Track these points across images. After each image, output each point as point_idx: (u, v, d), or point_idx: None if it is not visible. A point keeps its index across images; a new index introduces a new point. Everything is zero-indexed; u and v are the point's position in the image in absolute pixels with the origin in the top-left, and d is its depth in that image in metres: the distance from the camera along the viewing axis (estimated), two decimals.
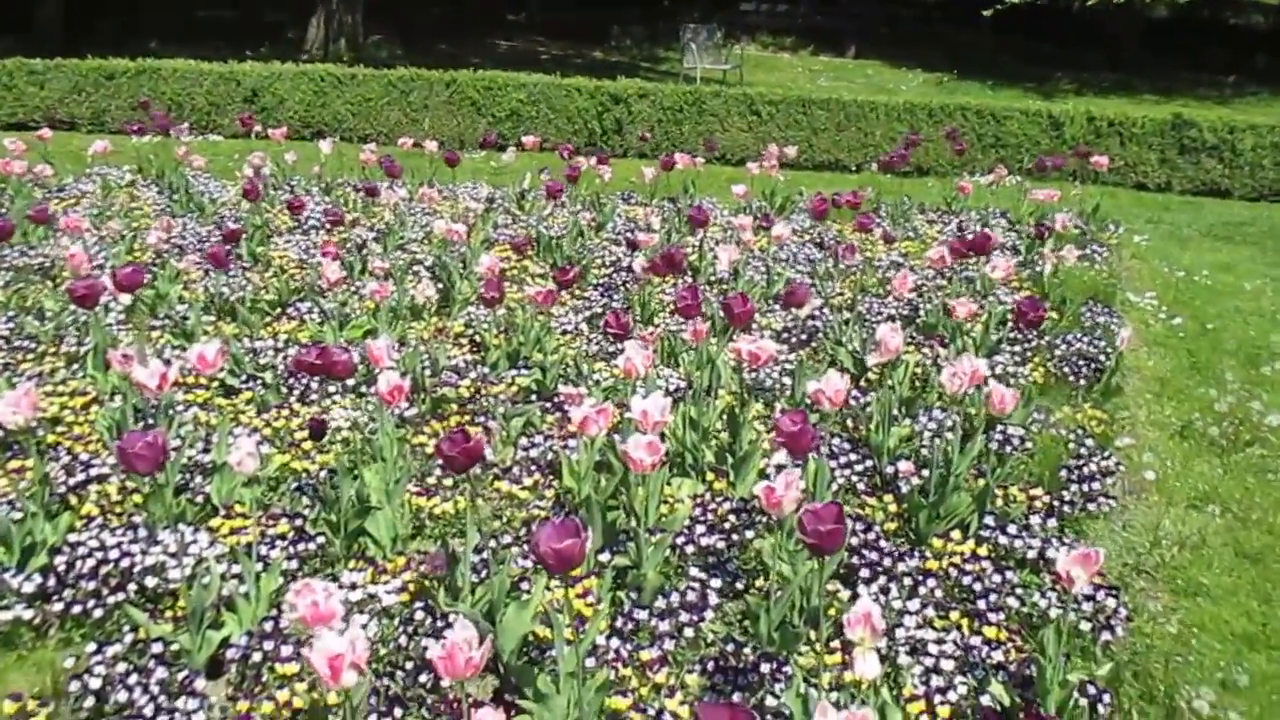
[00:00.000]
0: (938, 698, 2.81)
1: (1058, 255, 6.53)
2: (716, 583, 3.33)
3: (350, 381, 4.93)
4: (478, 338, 5.65)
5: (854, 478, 4.13)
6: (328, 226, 6.93)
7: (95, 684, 2.83)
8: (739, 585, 3.41)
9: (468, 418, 4.58)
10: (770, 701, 2.83)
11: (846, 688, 2.90)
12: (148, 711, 2.70)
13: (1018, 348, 5.66)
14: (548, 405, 4.73)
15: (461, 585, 3.25)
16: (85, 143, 9.51)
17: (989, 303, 5.86)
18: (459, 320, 5.94)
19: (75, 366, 5.03)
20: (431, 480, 4.05)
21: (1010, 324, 5.81)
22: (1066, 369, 5.38)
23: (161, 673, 2.80)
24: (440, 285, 6.42)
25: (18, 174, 7.69)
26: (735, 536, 3.60)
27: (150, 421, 4.32)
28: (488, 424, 4.51)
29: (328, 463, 4.19)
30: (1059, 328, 6.01)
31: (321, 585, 2.38)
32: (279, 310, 6.01)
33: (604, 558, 3.42)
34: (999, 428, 4.48)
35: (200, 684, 2.80)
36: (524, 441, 4.39)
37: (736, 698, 2.86)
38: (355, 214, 8.20)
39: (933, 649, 2.99)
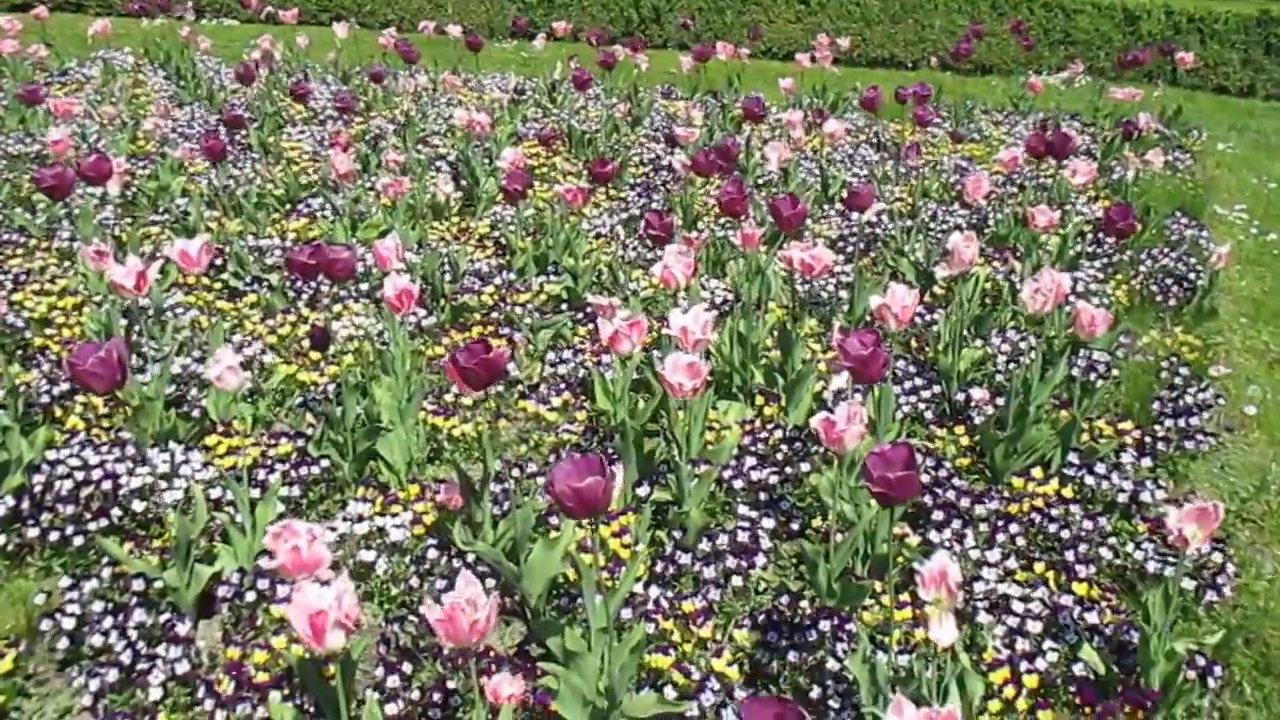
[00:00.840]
0: (1024, 665, 2.53)
1: (1142, 160, 6.12)
2: (769, 522, 3.04)
3: (365, 286, 4.64)
4: (503, 240, 5.33)
5: (920, 405, 3.82)
6: (342, 117, 6.58)
7: (69, 624, 2.58)
8: (793, 525, 3.12)
9: (491, 328, 4.29)
10: (831, 664, 2.55)
11: (917, 648, 2.63)
12: (125, 658, 2.45)
13: (1097, 263, 5.29)
14: (579, 316, 4.43)
15: (481, 520, 2.98)
16: (91, 25, 9.14)
17: (1067, 212, 5.48)
18: (483, 221, 5.62)
19: (68, 264, 4.76)
20: (450, 398, 3.77)
21: (1090, 236, 5.45)
22: (1154, 287, 5.02)
23: (141, 614, 2.55)
24: (463, 182, 6.09)
25: (9, 53, 7.35)
26: (789, 469, 3.30)
27: (142, 326, 4.05)
28: (513, 335, 4.22)
29: (338, 375, 3.92)
30: (1142, 241, 5.62)
31: (305, 527, 2.11)
32: (288, 206, 5.71)
33: (642, 491, 3.14)
34: (1081, 352, 4.14)
35: (183, 628, 2.55)
36: (553, 356, 4.10)
37: (792, 657, 2.59)
38: (372, 104, 7.85)
39: (1017, 607, 2.70)
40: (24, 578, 2.97)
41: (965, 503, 3.12)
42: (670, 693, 2.43)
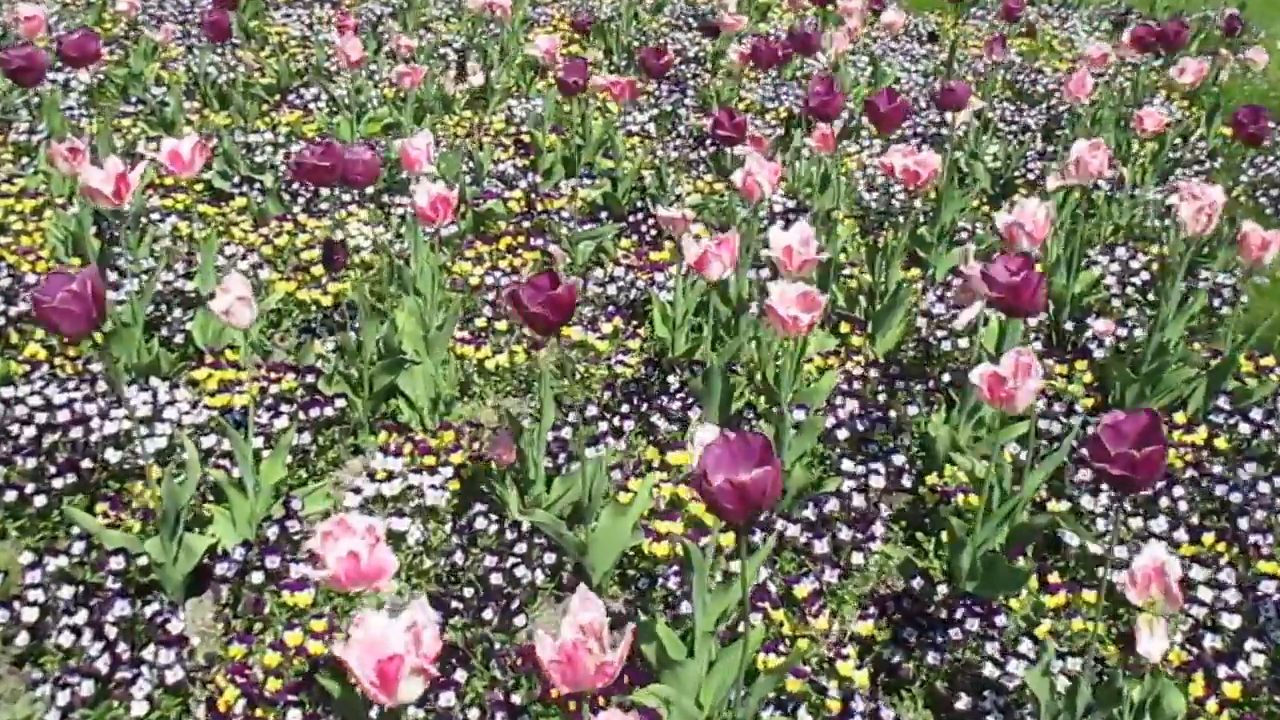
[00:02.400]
0: (1222, 670, 2.06)
1: (1239, 58, 5.56)
2: (878, 480, 2.55)
3: (370, 189, 4.09)
4: (524, 137, 4.76)
5: (1029, 336, 3.32)
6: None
7: (30, 615, 2.08)
8: (905, 482, 2.63)
9: (522, 239, 3.75)
10: (989, 671, 2.08)
11: (1069, 639, 2.17)
12: (102, 664, 1.95)
13: (1188, 170, 4.76)
14: (623, 226, 3.89)
15: (534, 478, 2.48)
16: None
17: (1171, 113, 4.94)
18: (497, 116, 5.04)
19: (26, 160, 4.18)
20: (481, 322, 3.25)
21: (1183, 143, 4.92)
22: (1262, 198, 4.51)
23: (122, 607, 2.05)
24: (468, 66, 5.49)
25: None
26: (893, 413, 2.80)
27: (119, 235, 3.50)
28: (546, 247, 3.68)
29: (343, 293, 3.39)
30: (1232, 149, 5.08)
31: (363, 524, 1.60)
32: (278, 97, 5.11)
33: None
34: (1203, 276, 3.64)
35: (176, 623, 2.05)
36: (599, 274, 3.58)
37: (932, 658, 2.11)
38: None
39: (1204, 594, 2.23)
40: None
41: None
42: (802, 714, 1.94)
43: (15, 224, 3.70)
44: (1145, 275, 3.63)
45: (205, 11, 4.04)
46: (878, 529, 2.37)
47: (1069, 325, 3.38)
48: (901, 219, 4.11)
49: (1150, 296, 3.61)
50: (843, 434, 2.66)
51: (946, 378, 3.04)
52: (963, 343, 3.18)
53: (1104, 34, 7.15)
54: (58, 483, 2.44)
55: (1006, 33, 5.66)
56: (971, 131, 4.81)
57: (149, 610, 2.07)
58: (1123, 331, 3.25)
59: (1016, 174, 4.56)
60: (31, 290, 1.80)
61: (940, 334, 3.21)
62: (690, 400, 2.77)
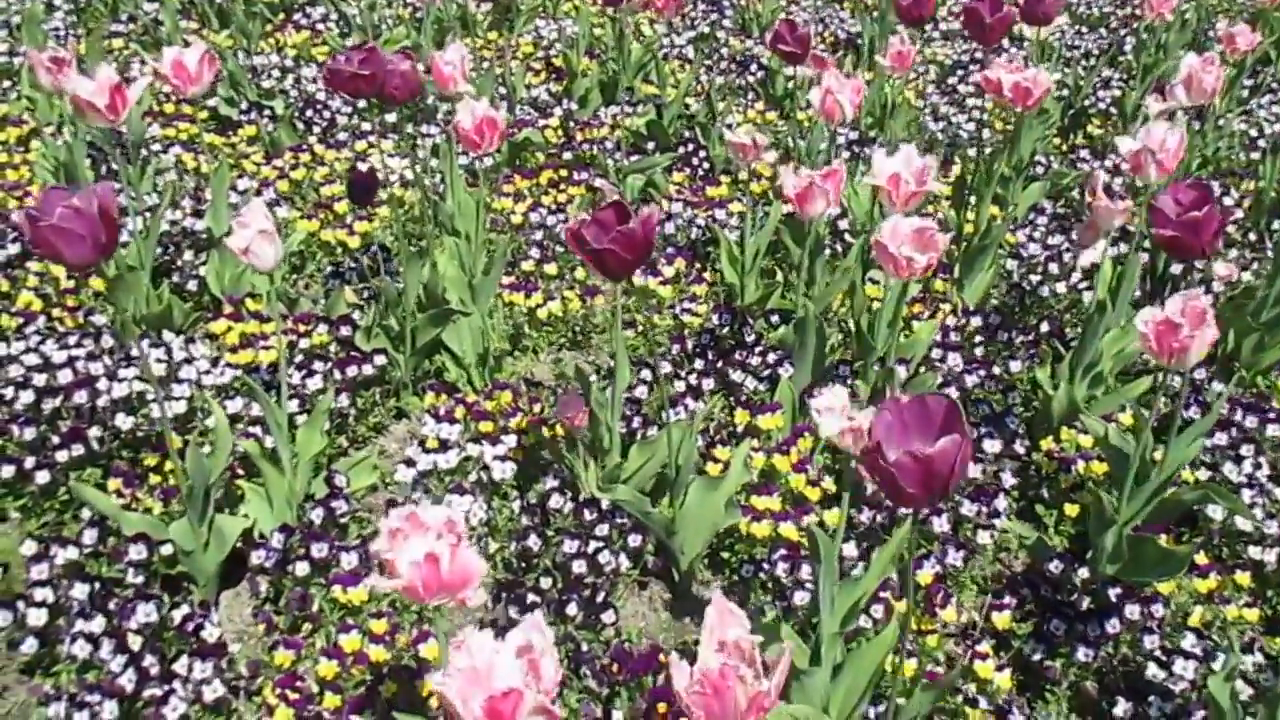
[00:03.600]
0: None
1: None
2: (992, 444, 2.26)
3: (391, 117, 3.75)
4: (556, 61, 4.41)
5: None
6: None
7: (38, 618, 1.79)
8: (1017, 448, 2.34)
9: (564, 172, 3.42)
10: (1154, 672, 1.81)
11: (1220, 629, 1.91)
12: (126, 682, 1.66)
13: (1265, 98, 4.44)
14: (673, 158, 3.57)
15: (609, 446, 2.19)
16: None
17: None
18: (524, 36, 4.68)
19: (7, 85, 3.83)
20: (528, 266, 2.94)
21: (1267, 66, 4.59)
22: None
23: (147, 613, 1.75)
24: None
25: None
26: (996, 369, 2.51)
27: (114, 167, 3.17)
28: (595, 182, 3.36)
29: (371, 234, 3.08)
30: None
31: (439, 518, 1.29)
32: (281, 16, 4.74)
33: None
34: None
35: (212, 630, 1.76)
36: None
37: (1082, 654, 1.84)
38: None
39: None
40: None
41: (1250, 420, 2.34)
42: None
43: None
44: (1239, 213, 3.33)
45: None
46: (1001, 503, 2.08)
47: (1175, 269, 3.08)
48: (971, 151, 3.79)
49: (1251, 236, 3.31)
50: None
51: (1045, 327, 2.74)
52: (1060, 288, 2.89)
53: None
54: (62, 455, 2.14)
55: None
56: (1031, 57, 4.47)
57: (179, 614, 1.77)
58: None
59: (1087, 102, 4.23)
60: (24, 210, 1.47)
61: (1034, 278, 2.91)
62: (778, 355, 2.47)
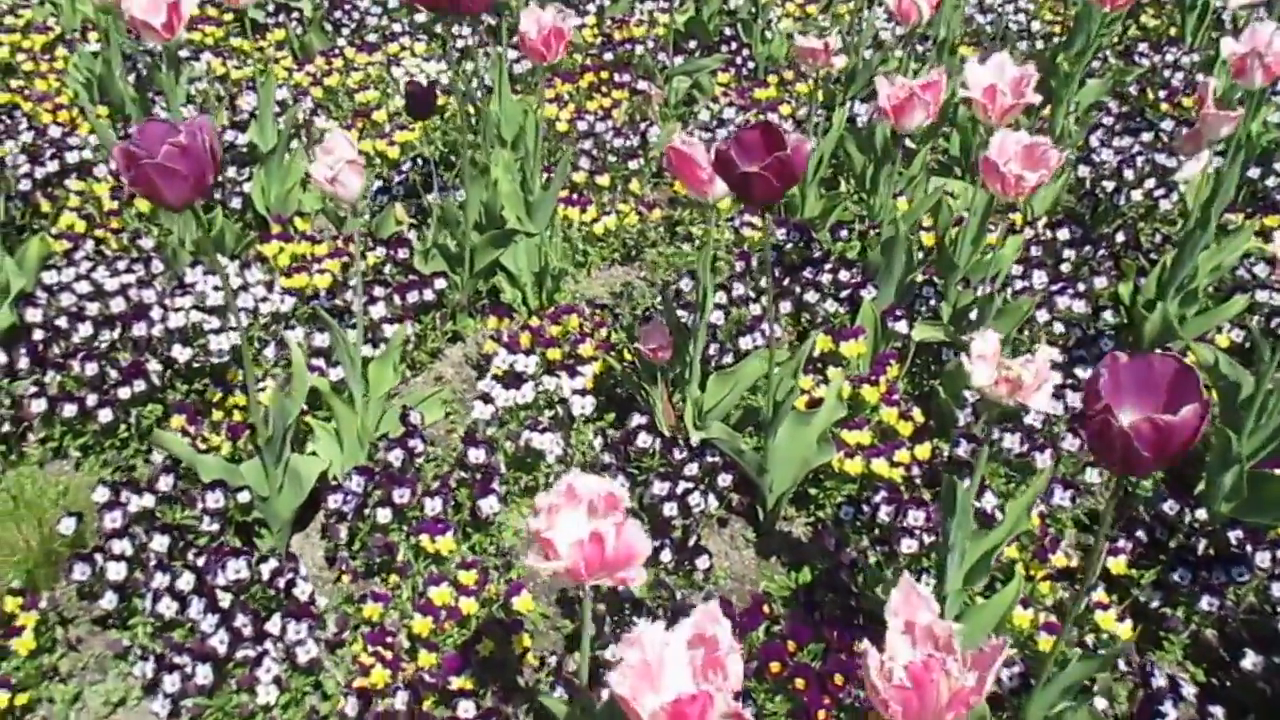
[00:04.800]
0: None
1: None
2: (1086, 371, 2.14)
3: (420, 15, 3.55)
4: None
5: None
6: None
7: (118, 572, 1.68)
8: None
9: (605, 75, 3.24)
10: None
11: None
12: (218, 643, 1.56)
13: None
14: (715, 57, 3.38)
15: (689, 377, 2.07)
16: None
17: None
18: None
19: None
20: (579, 177, 2.78)
21: None
22: None
23: (238, 569, 1.64)
24: None
25: None
26: (1081, 285, 2.37)
27: (142, 70, 2.99)
28: (634, 84, 3.18)
29: (411, 143, 2.91)
30: None
31: (595, 490, 1.15)
32: None
33: (900, 327, 2.21)
34: None
35: (303, 587, 1.65)
36: (705, 118, 3.09)
37: (1206, 603, 1.74)
38: None
39: None
40: (27, 461, 2.06)
41: None
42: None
43: (25, 64, 3.18)
44: None
45: None
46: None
47: (1254, 172, 2.91)
48: (1022, 44, 3.60)
49: None
50: (1041, 315, 2.23)
51: (1120, 236, 2.61)
52: (1136, 195, 2.73)
53: None
54: (124, 392, 2.01)
55: None
56: None
57: (266, 568, 1.67)
58: None
59: None
60: (123, 146, 1.33)
61: (1108, 184, 2.76)
62: (853, 273, 2.34)
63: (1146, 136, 2.92)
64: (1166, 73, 3.35)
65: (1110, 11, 2.45)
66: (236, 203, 2.64)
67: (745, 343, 2.15)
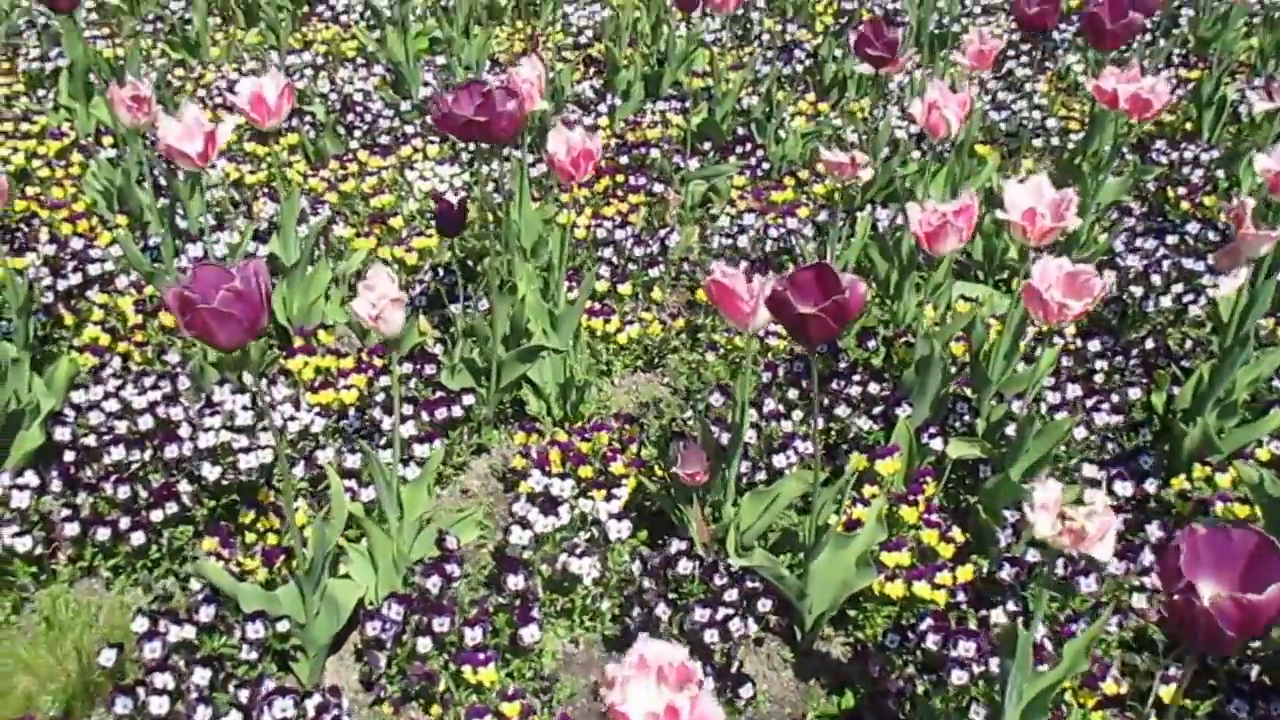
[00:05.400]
0: None
1: None
2: (1125, 486, 2.19)
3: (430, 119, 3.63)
4: (591, 50, 4.28)
5: None
6: None
7: (160, 707, 1.70)
8: (1147, 487, 2.25)
9: (621, 177, 3.32)
10: None
11: None
12: None
13: None
14: (732, 159, 3.47)
15: (724, 498, 2.11)
16: None
17: None
18: (555, 25, 4.55)
19: (44, 92, 3.69)
20: (600, 286, 2.84)
21: None
22: None
23: (285, 707, 1.67)
24: None
25: None
26: (1115, 396, 2.42)
27: (160, 178, 3.06)
28: (650, 187, 3.26)
29: (428, 249, 2.98)
30: None
31: (670, 657, 1.19)
32: (305, 8, 4.61)
33: (936, 444, 2.26)
34: None
35: None
36: (724, 223, 3.15)
37: None
38: None
39: None
40: (57, 580, 2.09)
41: None
42: None
43: (41, 170, 3.25)
44: None
45: None
46: (1147, 556, 2.01)
47: None
48: (1036, 141, 3.69)
49: None
50: (1079, 433, 2.28)
51: (1150, 343, 2.66)
52: (1165, 301, 2.80)
53: None
54: (156, 515, 2.05)
55: None
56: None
57: (311, 705, 1.69)
58: None
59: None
60: (177, 287, 1.38)
61: (1135, 290, 2.82)
62: (885, 388, 2.39)
63: (1171, 239, 2.99)
64: (1185, 169, 3.43)
65: (1137, 122, 2.52)
66: None
67: (779, 460, 2.19)
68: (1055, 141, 3.67)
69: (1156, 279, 2.80)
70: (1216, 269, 2.27)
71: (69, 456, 2.15)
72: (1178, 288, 2.79)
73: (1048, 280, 1.87)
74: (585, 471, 2.22)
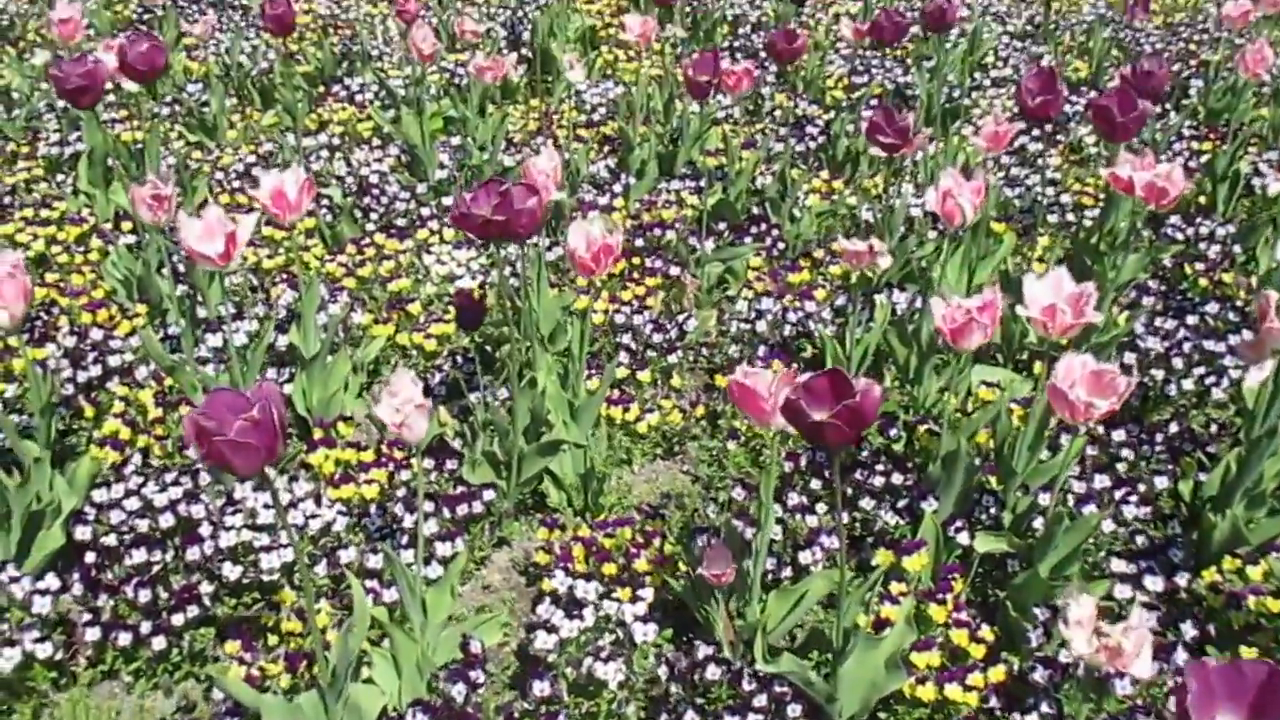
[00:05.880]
0: None
1: None
2: (1155, 581, 2.16)
3: (449, 199, 3.65)
4: (603, 128, 4.32)
5: None
6: None
7: None
8: (1178, 580, 2.22)
9: (637, 260, 3.32)
10: None
11: None
12: None
13: None
14: (748, 240, 3.48)
15: (750, 597, 2.09)
16: None
17: None
18: (566, 104, 4.58)
19: (63, 177, 3.72)
20: (620, 372, 2.84)
21: None
22: None
23: None
24: (524, 51, 5.04)
25: None
26: (1142, 486, 2.40)
27: (179, 265, 3.06)
28: (668, 270, 3.27)
29: (447, 335, 2.98)
30: None
31: None
32: (321, 89, 4.65)
33: (962, 538, 2.24)
34: None
35: None
36: (742, 307, 3.15)
37: None
38: None
39: None
40: (77, 683, 2.07)
41: None
42: None
43: (59, 256, 3.26)
44: None
45: (264, 2, 3.53)
46: (1180, 655, 1.98)
47: None
48: (1051, 217, 3.69)
49: None
50: (1107, 526, 2.26)
51: (1174, 427, 2.64)
52: (1187, 384, 2.78)
53: None
54: (177, 618, 2.04)
55: None
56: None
57: None
58: None
59: (1165, 156, 4.13)
60: (193, 418, 1.38)
61: (1157, 372, 2.81)
62: (909, 478, 2.37)
63: (1191, 319, 2.99)
64: (1202, 244, 3.43)
65: (1157, 208, 2.51)
66: None
67: (804, 556, 2.17)
68: (1070, 217, 3.67)
69: (1178, 362, 2.79)
70: (1242, 360, 2.26)
71: (90, 558, 2.14)
72: (1199, 369, 2.78)
73: (1072, 379, 1.87)
74: (609, 569, 2.20)
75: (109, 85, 4.00)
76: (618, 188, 3.79)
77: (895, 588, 2.11)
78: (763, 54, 4.91)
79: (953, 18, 3.77)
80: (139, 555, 2.12)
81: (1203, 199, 3.87)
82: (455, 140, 4.04)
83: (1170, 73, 3.33)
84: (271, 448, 1.44)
